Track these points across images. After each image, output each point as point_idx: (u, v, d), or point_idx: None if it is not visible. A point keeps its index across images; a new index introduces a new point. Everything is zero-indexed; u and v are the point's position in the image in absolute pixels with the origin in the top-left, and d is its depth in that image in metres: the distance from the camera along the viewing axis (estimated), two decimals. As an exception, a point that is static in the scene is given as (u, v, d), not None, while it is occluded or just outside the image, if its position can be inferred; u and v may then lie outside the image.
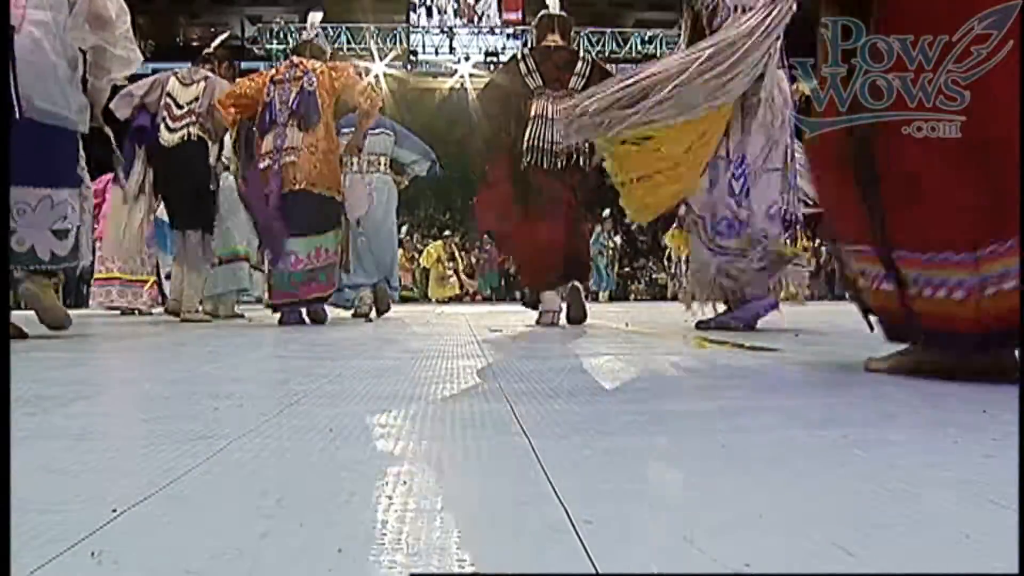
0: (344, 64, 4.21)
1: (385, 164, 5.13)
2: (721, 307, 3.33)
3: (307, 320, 4.07)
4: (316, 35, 4.35)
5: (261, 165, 3.94)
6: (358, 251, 4.83)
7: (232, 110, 4.08)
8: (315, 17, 4.53)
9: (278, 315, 4.08)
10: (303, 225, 3.88)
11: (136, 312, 6.16)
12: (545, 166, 3.58)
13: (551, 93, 3.66)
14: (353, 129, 4.30)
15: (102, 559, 0.46)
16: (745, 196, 3.10)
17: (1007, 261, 1.23)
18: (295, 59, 4.14)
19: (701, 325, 3.28)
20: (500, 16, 18.35)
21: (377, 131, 4.96)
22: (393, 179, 5.22)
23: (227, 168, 4.68)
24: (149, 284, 6.06)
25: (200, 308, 4.68)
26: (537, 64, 3.74)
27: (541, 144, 3.60)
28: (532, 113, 3.65)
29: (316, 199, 3.89)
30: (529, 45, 4.07)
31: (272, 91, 3.98)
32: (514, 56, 4.03)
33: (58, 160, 2.78)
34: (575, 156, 3.61)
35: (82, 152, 2.93)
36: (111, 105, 4.58)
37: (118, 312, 6.21)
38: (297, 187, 3.84)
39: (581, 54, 3.87)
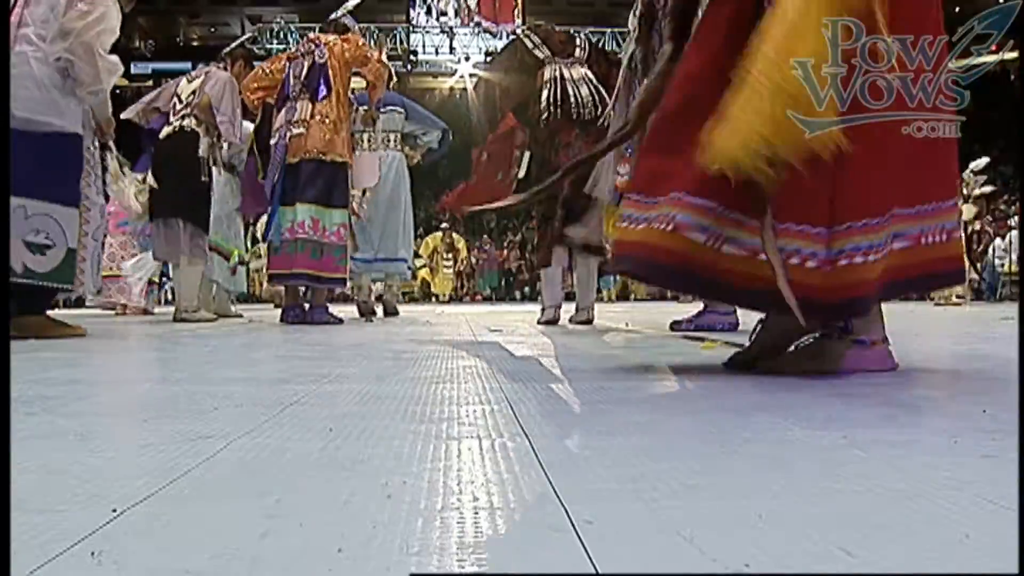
0: (356, 36, 4.28)
1: (396, 141, 5.25)
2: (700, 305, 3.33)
3: (312, 320, 4.06)
4: (345, 15, 4.42)
5: (273, 140, 4.00)
6: (363, 224, 4.90)
7: (259, 93, 4.15)
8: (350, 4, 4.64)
9: (278, 312, 4.12)
10: (309, 194, 3.91)
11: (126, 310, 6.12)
12: (571, 117, 3.63)
13: (561, 60, 3.80)
14: (366, 107, 4.40)
15: (102, 559, 0.46)
16: None
17: (855, 238, 1.33)
18: (311, 35, 4.22)
19: (675, 326, 3.26)
20: (494, 17, 18.32)
21: (388, 109, 5.04)
22: (406, 154, 5.34)
23: (215, 163, 4.68)
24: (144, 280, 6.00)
25: (199, 307, 4.67)
26: (542, 39, 3.88)
27: (562, 99, 3.67)
28: (546, 77, 3.75)
29: (326, 168, 3.92)
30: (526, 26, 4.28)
31: (288, 67, 4.07)
32: (514, 37, 4.14)
33: (39, 170, 2.67)
34: (599, 110, 3.65)
35: (94, 168, 2.86)
36: (123, 115, 4.64)
37: (113, 312, 6.20)
38: (308, 156, 3.88)
39: (578, 37, 4.04)
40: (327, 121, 3.92)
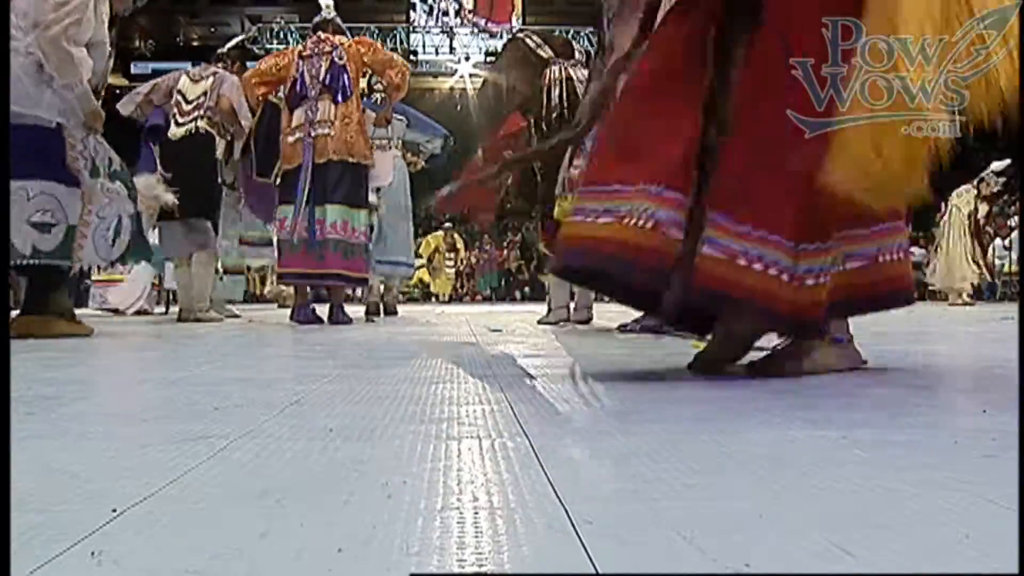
0: (370, 40, 4.33)
1: (398, 148, 5.33)
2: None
3: (323, 320, 4.06)
4: (333, 16, 4.42)
5: (291, 139, 4.00)
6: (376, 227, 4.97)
7: (261, 88, 4.15)
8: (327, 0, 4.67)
9: (287, 312, 4.13)
10: (338, 194, 3.94)
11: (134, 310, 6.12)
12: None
13: (564, 62, 3.79)
14: (376, 111, 4.41)
15: (102, 559, 0.46)
16: None
17: (820, 259, 1.34)
18: (321, 35, 4.19)
19: (623, 328, 3.16)
20: (489, 15, 18.23)
21: None
22: (407, 161, 5.45)
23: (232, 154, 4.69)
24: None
25: (210, 308, 4.66)
26: (543, 39, 3.91)
27: (571, 99, 3.65)
28: (554, 76, 3.75)
29: (351, 169, 3.96)
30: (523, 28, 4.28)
31: (301, 66, 4.04)
32: (514, 36, 4.13)
33: (29, 155, 2.69)
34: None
35: (79, 151, 2.85)
36: (118, 105, 4.61)
37: (112, 312, 6.21)
38: (335, 158, 3.90)
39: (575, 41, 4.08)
40: (351, 122, 3.95)
